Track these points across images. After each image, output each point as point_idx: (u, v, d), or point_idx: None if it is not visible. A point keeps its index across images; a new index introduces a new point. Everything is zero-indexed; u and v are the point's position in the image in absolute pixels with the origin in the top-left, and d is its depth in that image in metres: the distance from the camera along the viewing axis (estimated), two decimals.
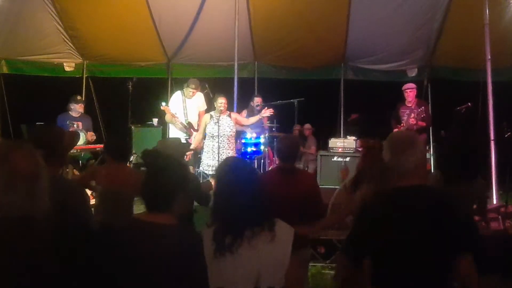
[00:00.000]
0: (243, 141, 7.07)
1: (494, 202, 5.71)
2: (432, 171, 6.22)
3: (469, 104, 6.84)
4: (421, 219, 2.11)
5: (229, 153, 6.43)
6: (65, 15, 7.99)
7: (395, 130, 7.34)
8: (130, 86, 8.05)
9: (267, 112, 6.94)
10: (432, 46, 8.41)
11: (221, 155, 6.28)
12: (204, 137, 6.68)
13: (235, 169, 2.38)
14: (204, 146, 6.58)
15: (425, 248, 2.09)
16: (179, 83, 7.92)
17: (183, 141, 6.89)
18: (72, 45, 8.57)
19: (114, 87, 8.72)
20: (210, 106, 6.95)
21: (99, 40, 8.52)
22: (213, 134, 6.41)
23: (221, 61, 8.63)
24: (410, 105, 7.32)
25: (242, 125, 7.07)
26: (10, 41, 8.02)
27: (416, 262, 2.10)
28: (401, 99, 7.49)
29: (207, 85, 7.55)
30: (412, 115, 7.10)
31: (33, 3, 7.69)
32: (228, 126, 6.47)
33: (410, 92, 7.34)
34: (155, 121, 8.28)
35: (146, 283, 1.83)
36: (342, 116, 9.04)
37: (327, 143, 7.77)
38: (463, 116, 6.81)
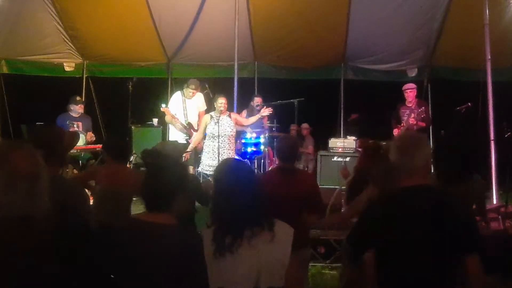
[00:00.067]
0: (243, 141, 7.07)
1: (494, 202, 5.72)
2: (432, 171, 6.22)
3: (469, 104, 6.84)
4: (424, 219, 2.11)
5: (229, 153, 6.43)
6: (65, 15, 7.99)
7: (395, 130, 7.36)
8: (130, 86, 8.05)
9: (266, 111, 6.94)
10: (432, 46, 8.41)
11: (221, 155, 6.28)
12: (204, 137, 6.67)
13: (234, 169, 2.38)
14: (205, 146, 6.57)
15: (428, 248, 2.09)
16: (179, 83, 7.92)
17: (183, 141, 6.91)
18: (72, 45, 8.57)
19: (114, 87, 8.71)
20: (210, 106, 6.95)
21: (99, 40, 8.52)
22: (214, 135, 6.41)
23: (221, 61, 8.63)
24: (410, 105, 7.32)
25: (242, 125, 7.07)
26: (10, 41, 8.03)
27: (419, 263, 2.10)
28: (401, 99, 7.48)
29: (207, 85, 7.55)
30: (412, 115, 7.10)
31: (33, 3, 7.69)
32: (228, 126, 6.47)
33: (410, 92, 7.34)
34: (155, 121, 8.28)
35: (146, 283, 1.83)
36: (342, 116, 9.04)
37: (327, 143, 7.77)
38: (463, 116, 6.81)
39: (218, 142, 6.31)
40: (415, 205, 2.15)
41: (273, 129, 7.79)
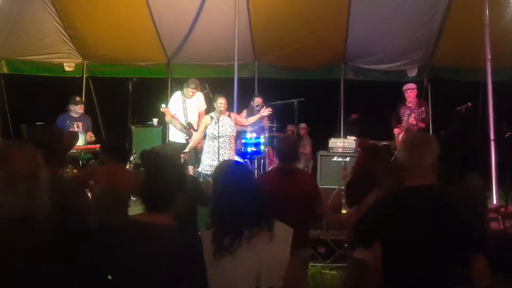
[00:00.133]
0: (243, 141, 7.07)
1: (494, 202, 5.71)
2: None
3: (469, 104, 6.84)
4: (427, 219, 2.11)
5: (229, 153, 6.43)
6: (65, 15, 7.99)
7: (395, 130, 7.36)
8: (130, 86, 8.05)
9: (266, 111, 6.95)
10: (432, 46, 8.40)
11: (222, 155, 6.27)
12: (204, 138, 6.67)
13: (233, 171, 2.39)
14: (205, 147, 6.57)
15: (428, 249, 2.09)
16: (179, 83, 7.92)
17: (183, 141, 6.91)
18: (72, 45, 8.56)
19: (114, 87, 8.72)
20: (210, 107, 6.95)
21: (99, 40, 8.52)
22: (214, 135, 6.40)
23: (221, 61, 8.63)
24: (410, 105, 7.33)
25: (242, 125, 7.07)
26: (10, 41, 8.02)
27: (419, 263, 2.10)
28: (401, 99, 7.49)
29: (207, 85, 7.55)
30: (413, 115, 7.11)
31: (33, 3, 7.69)
32: (229, 127, 6.46)
33: (410, 92, 7.34)
34: (155, 121, 8.27)
35: (145, 283, 1.83)
36: (342, 116, 9.03)
37: (327, 143, 7.77)
38: (463, 116, 6.81)
39: (218, 142, 6.30)
40: (418, 205, 2.15)
41: (273, 129, 7.79)
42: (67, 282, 1.70)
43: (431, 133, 7.86)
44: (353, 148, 7.49)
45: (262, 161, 7.38)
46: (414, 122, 7.05)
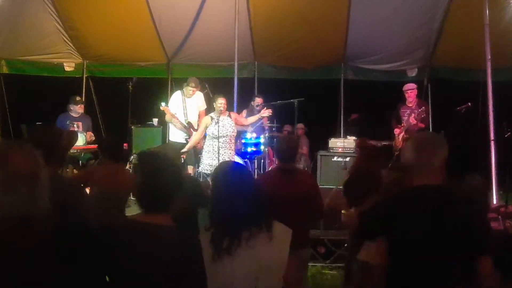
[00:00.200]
0: (243, 141, 7.07)
1: (494, 202, 5.71)
2: None
3: (469, 104, 6.84)
4: (436, 219, 2.11)
5: (230, 153, 6.43)
6: (65, 15, 7.99)
7: (395, 130, 7.36)
8: (130, 86, 8.05)
9: (266, 112, 6.95)
10: (432, 46, 8.40)
11: (222, 155, 6.27)
12: (204, 138, 6.67)
13: (232, 171, 2.39)
14: (205, 146, 6.56)
15: (436, 249, 2.09)
16: (179, 83, 7.92)
17: (183, 141, 6.91)
18: (72, 45, 8.56)
19: (114, 87, 8.71)
20: (210, 107, 6.95)
21: (99, 40, 8.52)
22: (215, 135, 6.39)
23: (221, 61, 8.63)
24: (410, 105, 7.33)
25: (242, 125, 7.08)
26: (10, 41, 8.02)
27: (419, 263, 2.10)
28: (401, 99, 7.49)
29: (207, 85, 7.55)
30: (413, 115, 7.11)
31: (33, 3, 7.68)
32: (230, 127, 6.46)
33: (411, 92, 7.34)
34: (155, 121, 8.27)
35: (146, 283, 1.83)
36: (342, 116, 9.04)
37: (327, 143, 7.77)
38: (463, 116, 6.81)
39: (218, 142, 6.30)
40: (425, 205, 2.15)
41: (273, 129, 7.79)
42: (67, 282, 1.70)
43: None
44: (353, 148, 7.50)
45: (262, 161, 7.38)
46: (414, 122, 7.05)
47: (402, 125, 7.28)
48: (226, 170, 2.44)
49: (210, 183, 2.99)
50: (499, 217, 4.74)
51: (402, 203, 2.20)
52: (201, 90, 7.41)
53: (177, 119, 6.97)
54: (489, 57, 6.23)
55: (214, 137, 6.37)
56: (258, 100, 7.64)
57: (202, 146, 6.70)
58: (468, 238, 2.09)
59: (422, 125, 7.15)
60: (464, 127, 6.61)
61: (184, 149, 6.58)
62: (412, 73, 8.79)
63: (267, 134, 7.39)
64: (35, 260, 1.61)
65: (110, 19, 7.96)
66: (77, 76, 8.95)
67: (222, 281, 2.16)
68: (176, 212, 2.00)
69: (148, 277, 1.82)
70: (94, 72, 9.03)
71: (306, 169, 8.16)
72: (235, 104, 6.90)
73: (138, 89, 8.24)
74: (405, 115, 7.29)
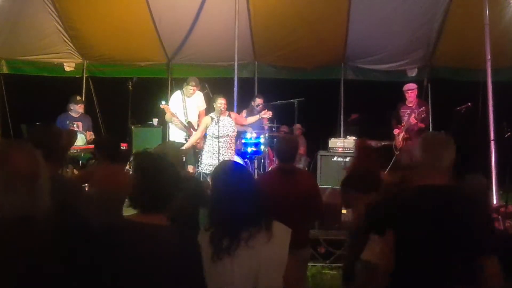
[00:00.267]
0: (243, 141, 7.06)
1: (494, 202, 5.71)
2: None
3: (469, 104, 6.84)
4: (442, 219, 2.11)
5: (230, 153, 6.43)
6: (65, 15, 7.99)
7: (395, 130, 7.36)
8: (130, 86, 8.05)
9: (266, 114, 6.96)
10: (432, 46, 8.40)
11: (222, 155, 6.27)
12: (204, 138, 6.67)
13: (231, 171, 2.39)
14: (205, 146, 6.56)
15: (442, 249, 2.09)
16: (179, 83, 7.92)
17: (183, 140, 6.90)
18: (72, 45, 8.56)
19: (114, 87, 8.71)
20: (210, 107, 6.95)
21: (99, 40, 8.52)
22: (215, 135, 6.39)
23: (221, 61, 8.63)
24: (411, 105, 7.33)
25: (242, 125, 7.08)
26: (10, 41, 8.02)
27: (429, 263, 2.10)
28: (401, 99, 7.49)
29: (207, 85, 7.55)
30: (413, 115, 7.11)
31: (33, 3, 7.68)
32: (230, 126, 6.46)
33: (411, 93, 7.34)
34: (155, 121, 8.27)
35: (145, 283, 1.83)
36: (342, 116, 9.04)
37: (327, 143, 7.77)
38: (463, 116, 6.81)
39: (218, 142, 6.31)
40: (431, 205, 2.14)
41: (273, 129, 7.79)
42: (67, 282, 1.70)
43: None
44: (353, 148, 7.49)
45: (262, 161, 7.38)
46: (415, 122, 7.05)
47: (402, 125, 7.28)
48: (226, 170, 2.44)
49: (210, 183, 2.98)
50: (499, 217, 4.74)
51: (407, 203, 2.20)
52: (201, 90, 7.41)
53: (177, 117, 6.97)
54: (489, 57, 6.23)
55: (214, 137, 6.37)
56: (258, 101, 7.64)
57: (202, 146, 6.69)
58: (474, 238, 2.09)
59: (422, 125, 7.14)
60: (464, 127, 6.61)
61: (183, 147, 6.57)
62: (412, 73, 8.80)
63: (267, 134, 7.39)
64: (35, 260, 1.61)
65: (110, 19, 7.96)
66: (77, 76, 8.95)
67: (221, 281, 2.16)
68: (176, 211, 2.00)
69: (147, 277, 1.83)
70: (94, 72, 9.03)
71: (306, 169, 8.17)
72: (235, 104, 6.91)
73: (138, 89, 8.23)
74: (405, 115, 7.29)
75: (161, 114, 7.67)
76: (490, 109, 6.12)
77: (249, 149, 7.02)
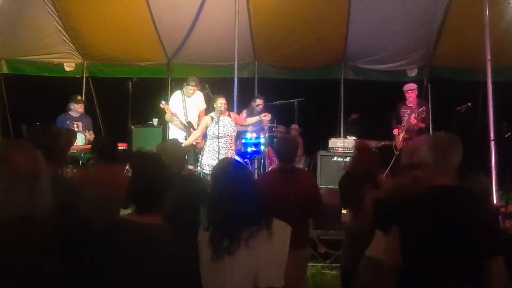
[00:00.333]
0: (243, 141, 7.06)
1: (494, 202, 5.71)
2: None
3: (469, 104, 6.84)
4: (450, 220, 2.11)
5: (230, 153, 6.43)
6: (65, 15, 7.99)
7: (395, 130, 7.36)
8: (130, 86, 8.05)
9: (266, 117, 6.97)
10: (432, 46, 8.40)
11: (222, 155, 6.26)
12: (204, 138, 6.67)
13: (231, 171, 2.38)
14: (205, 146, 6.56)
15: (449, 249, 2.09)
16: (179, 83, 7.92)
17: (183, 140, 6.90)
18: (72, 45, 8.56)
19: (114, 87, 8.71)
20: (210, 107, 6.95)
21: (99, 40, 8.52)
22: (216, 135, 6.39)
23: (221, 61, 8.63)
24: (411, 105, 7.33)
25: (242, 125, 7.08)
26: (10, 41, 8.02)
27: (435, 263, 2.10)
28: (401, 99, 7.49)
29: (207, 85, 7.55)
30: (413, 115, 7.11)
31: (33, 3, 7.68)
32: (231, 127, 6.46)
33: (411, 93, 7.35)
34: (155, 121, 8.27)
35: (146, 283, 1.83)
36: (342, 116, 9.04)
37: (327, 143, 7.77)
38: (463, 116, 6.81)
39: (218, 142, 6.31)
40: (440, 206, 2.14)
41: (273, 129, 7.79)
42: (67, 282, 1.70)
43: (431, 133, 7.88)
44: (353, 148, 7.50)
45: (262, 161, 7.38)
46: (415, 122, 7.05)
47: (402, 125, 7.28)
48: (226, 168, 2.43)
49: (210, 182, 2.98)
50: (499, 217, 4.73)
51: (414, 203, 2.20)
52: (201, 90, 7.42)
53: (177, 117, 6.97)
54: (489, 57, 6.22)
55: (214, 137, 6.37)
56: (258, 101, 7.63)
57: (202, 146, 6.69)
58: (481, 239, 2.09)
59: (423, 125, 7.15)
60: (464, 127, 6.61)
61: (183, 145, 6.56)
62: (412, 73, 8.80)
63: (267, 134, 7.39)
64: (35, 260, 1.61)
65: (110, 19, 7.96)
66: (77, 76, 8.95)
67: (221, 281, 2.16)
68: (172, 211, 2.00)
69: (147, 277, 1.83)
70: (94, 72, 9.03)
71: (306, 169, 8.17)
72: (235, 104, 6.90)
73: (138, 89, 8.24)
74: (405, 115, 7.30)
75: (161, 114, 7.67)
76: (490, 109, 6.12)
77: (249, 149, 7.02)
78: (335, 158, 7.49)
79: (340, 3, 7.79)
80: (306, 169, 8.19)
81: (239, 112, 7.14)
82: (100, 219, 2.65)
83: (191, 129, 6.99)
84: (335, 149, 7.62)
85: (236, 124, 6.67)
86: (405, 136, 7.16)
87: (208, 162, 6.41)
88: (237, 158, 6.68)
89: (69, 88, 8.35)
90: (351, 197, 3.32)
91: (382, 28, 8.00)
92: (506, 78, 7.68)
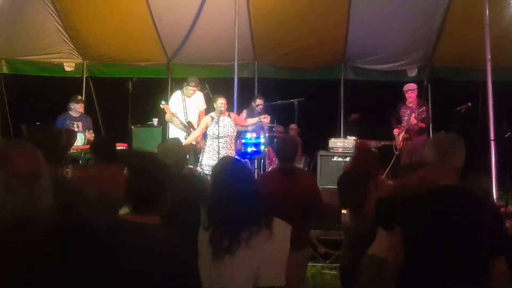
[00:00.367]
0: (243, 141, 7.06)
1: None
2: None
3: (469, 104, 6.85)
4: (455, 219, 2.11)
5: (230, 153, 6.43)
6: (65, 15, 7.99)
7: (395, 130, 7.36)
8: (130, 86, 8.05)
9: (266, 119, 6.98)
10: (432, 46, 8.40)
11: (222, 155, 6.26)
12: (204, 138, 6.67)
13: (231, 169, 2.38)
14: (206, 146, 6.56)
15: (455, 249, 2.09)
16: (179, 83, 7.92)
17: (183, 140, 6.90)
18: (72, 45, 8.56)
19: (114, 87, 8.72)
20: (210, 107, 6.95)
21: (99, 40, 8.52)
22: (216, 136, 6.39)
23: (221, 61, 8.63)
24: (411, 105, 7.33)
25: (242, 125, 7.08)
26: (10, 41, 8.02)
27: (433, 262, 2.10)
28: (401, 99, 7.49)
29: (207, 85, 7.55)
30: (413, 115, 7.11)
31: (33, 3, 7.68)
32: (231, 127, 6.46)
33: (411, 93, 7.35)
34: (155, 121, 8.27)
35: (145, 283, 1.83)
36: (342, 116, 9.04)
37: (327, 143, 7.76)
38: (463, 116, 6.82)
39: (218, 142, 6.30)
40: (444, 205, 2.14)
41: (273, 129, 7.79)
42: (67, 282, 1.70)
43: (431, 133, 7.88)
44: (353, 148, 7.49)
45: (262, 161, 7.38)
46: (415, 122, 7.05)
47: (402, 125, 7.28)
48: (226, 167, 2.43)
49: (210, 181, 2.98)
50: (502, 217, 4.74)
51: (416, 203, 2.20)
52: (201, 90, 7.42)
53: (177, 117, 6.97)
54: (489, 57, 6.23)
55: (214, 137, 6.37)
56: (258, 101, 7.63)
57: (202, 147, 6.69)
58: (484, 239, 2.09)
59: (423, 125, 7.15)
60: (464, 127, 6.61)
61: (183, 144, 6.55)
62: (412, 73, 8.80)
63: (267, 134, 7.38)
64: (35, 260, 1.61)
65: (110, 19, 7.96)
66: (77, 76, 8.95)
67: (222, 281, 2.16)
68: (170, 210, 2.00)
69: (147, 277, 1.83)
70: (94, 72, 9.03)
71: (306, 169, 8.17)
72: (235, 104, 6.90)
73: (138, 89, 8.24)
74: (406, 115, 7.30)
75: (161, 114, 7.67)
76: (490, 109, 6.12)
77: (249, 149, 7.02)
78: (335, 158, 7.49)
79: (340, 3, 7.79)
80: (306, 169, 8.20)
81: (239, 112, 7.14)
82: (100, 219, 2.65)
83: (191, 129, 6.99)
84: (335, 149, 7.62)
85: (236, 124, 6.67)
86: (405, 136, 7.16)
87: (208, 162, 6.40)
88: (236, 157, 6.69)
89: (69, 88, 8.35)
90: (350, 197, 3.31)
91: (382, 28, 8.01)
92: (506, 78, 7.67)
